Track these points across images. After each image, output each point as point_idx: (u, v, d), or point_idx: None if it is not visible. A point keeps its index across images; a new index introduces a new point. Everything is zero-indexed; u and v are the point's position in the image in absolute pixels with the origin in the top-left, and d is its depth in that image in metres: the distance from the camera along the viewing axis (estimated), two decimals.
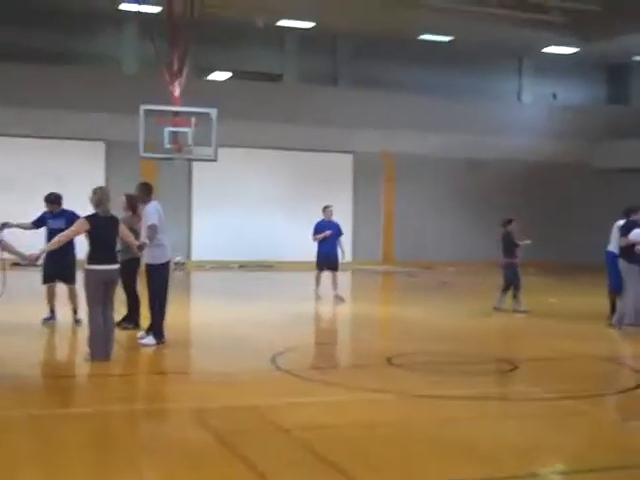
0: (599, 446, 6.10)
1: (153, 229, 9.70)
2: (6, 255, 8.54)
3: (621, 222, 13.55)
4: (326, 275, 15.66)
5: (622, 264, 12.66)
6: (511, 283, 14.61)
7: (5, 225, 10.11)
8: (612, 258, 13.51)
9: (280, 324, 12.58)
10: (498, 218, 23.43)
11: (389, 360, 9.39)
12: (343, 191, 26.36)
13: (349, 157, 26.77)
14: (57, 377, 8.64)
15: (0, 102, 22.38)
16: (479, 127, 28.06)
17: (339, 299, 15.35)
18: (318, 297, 15.57)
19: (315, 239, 15.82)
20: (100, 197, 8.97)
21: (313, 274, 15.99)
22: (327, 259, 15.71)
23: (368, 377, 8.60)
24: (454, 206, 27.67)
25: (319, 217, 16.20)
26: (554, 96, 31.91)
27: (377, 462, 5.53)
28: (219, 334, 11.29)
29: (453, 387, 8.00)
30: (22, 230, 10.96)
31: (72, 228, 9.20)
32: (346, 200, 26.37)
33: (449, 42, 27.97)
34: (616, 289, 13.40)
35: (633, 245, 12.36)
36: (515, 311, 14.33)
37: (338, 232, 15.89)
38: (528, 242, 14.92)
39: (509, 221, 15.03)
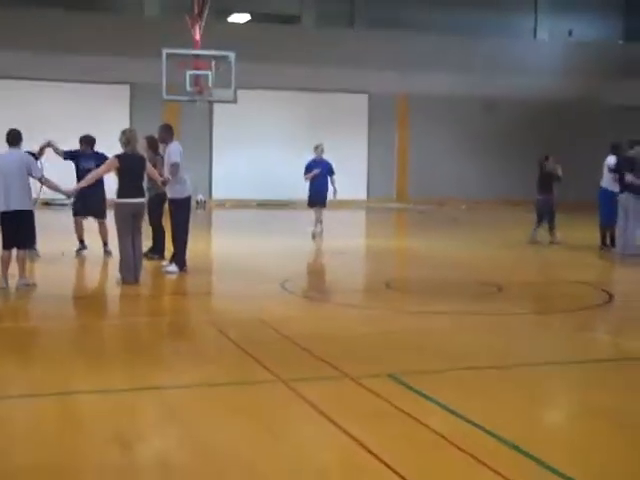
0: (550, 348, 7.21)
1: (175, 166, 10.74)
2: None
3: (611, 159, 14.44)
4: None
5: (627, 197, 13.41)
6: (543, 218, 15.35)
7: (49, 142, 11.25)
8: (604, 194, 14.47)
9: (291, 256, 13.72)
10: (513, 156, 24.27)
11: (387, 284, 10.49)
12: (358, 131, 27.21)
13: (364, 97, 27.54)
14: (93, 297, 9.86)
15: (27, 47, 23.28)
16: (494, 66, 28.35)
17: (318, 235, 15.79)
18: (314, 234, 15.83)
19: (306, 179, 16.18)
20: (129, 137, 10.04)
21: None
22: (317, 196, 16.09)
23: (365, 298, 9.75)
24: (468, 145, 28.40)
25: (334, 156, 16.86)
26: (570, 33, 32.18)
27: (362, 357, 6.67)
28: (235, 263, 12.42)
29: (439, 305, 9.11)
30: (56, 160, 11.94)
31: (104, 166, 10.31)
32: (361, 139, 27.26)
33: None
34: (607, 222, 14.38)
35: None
36: (551, 243, 15.16)
37: (329, 170, 16.19)
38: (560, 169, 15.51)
39: (546, 158, 15.74)
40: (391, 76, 27.00)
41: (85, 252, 12.56)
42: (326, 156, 16.30)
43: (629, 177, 13.25)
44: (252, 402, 5.56)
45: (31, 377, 6.14)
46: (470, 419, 5.06)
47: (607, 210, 14.20)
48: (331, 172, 16.22)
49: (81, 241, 12.68)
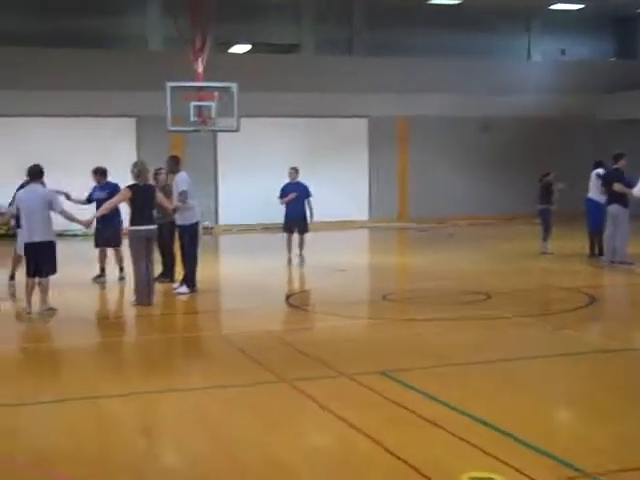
0: (528, 345, 7.98)
1: (184, 194, 11.52)
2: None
3: (600, 171, 15.21)
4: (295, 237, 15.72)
5: (615, 208, 14.10)
6: (548, 226, 16.15)
7: (68, 196, 12.05)
8: (591, 204, 15.22)
9: (295, 274, 14.49)
10: (511, 173, 24.91)
11: (384, 297, 11.24)
12: (359, 153, 28.00)
13: (364, 121, 28.35)
14: (111, 318, 10.64)
15: (37, 85, 24.21)
16: (490, 86, 29.16)
17: (302, 259, 15.44)
18: (290, 260, 15.46)
19: (282, 202, 15.93)
20: (140, 169, 10.86)
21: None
22: (295, 221, 15.69)
23: (363, 309, 10.53)
24: (467, 164, 29.13)
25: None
26: (562, 52, 33.08)
27: (357, 358, 7.44)
28: (242, 283, 13.17)
29: (430, 313, 9.87)
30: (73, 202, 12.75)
31: (117, 196, 11.12)
32: (363, 162, 28.05)
33: (458, 4, 29.32)
34: (595, 231, 15.11)
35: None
36: (542, 253, 15.90)
37: (306, 193, 15.87)
38: (562, 186, 16.30)
39: (546, 174, 16.64)
40: (390, 100, 27.83)
41: (104, 280, 13.18)
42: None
43: (617, 186, 13.88)
44: (259, 399, 6.32)
45: (62, 385, 6.93)
46: (451, 404, 5.81)
47: (594, 220, 14.93)
48: (308, 195, 15.93)
49: (102, 269, 13.23)
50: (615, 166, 14.35)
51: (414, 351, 7.76)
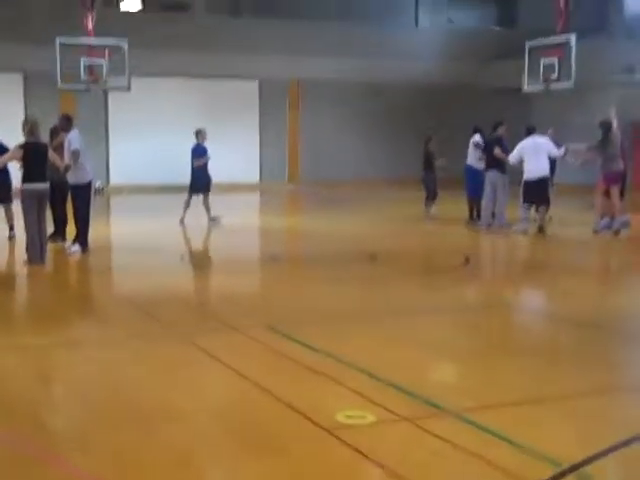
0: (409, 301, 8.61)
1: (76, 153, 11.63)
2: None
3: (477, 138, 16.00)
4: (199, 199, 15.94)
5: (494, 174, 14.88)
6: (430, 192, 16.82)
7: None
8: (469, 171, 16.04)
9: (187, 234, 14.82)
10: (399, 137, 25.32)
11: (274, 256, 11.70)
12: (250, 116, 28.26)
13: (255, 83, 28.58)
14: (2, 275, 10.72)
15: None
16: (380, 52, 29.72)
17: (216, 219, 15.88)
18: (182, 220, 15.67)
19: (198, 164, 15.86)
20: (31, 127, 10.88)
21: (187, 197, 15.82)
22: (206, 183, 15.95)
23: (254, 268, 10.98)
24: (355, 128, 29.79)
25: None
26: (450, 21, 34.03)
27: (244, 313, 7.88)
28: (134, 243, 13.41)
29: (316, 272, 10.46)
30: None
31: (8, 154, 11.14)
32: (253, 124, 28.34)
33: None
34: (474, 197, 15.94)
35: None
36: (426, 217, 16.59)
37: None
38: (443, 161, 16.79)
39: (429, 139, 17.13)
40: (280, 62, 28.09)
41: None
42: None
43: (497, 151, 14.67)
44: (153, 351, 6.67)
45: None
46: (330, 353, 6.34)
47: (472, 186, 15.76)
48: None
49: None
50: (498, 133, 15.14)
51: (300, 307, 8.26)
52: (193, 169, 16.01)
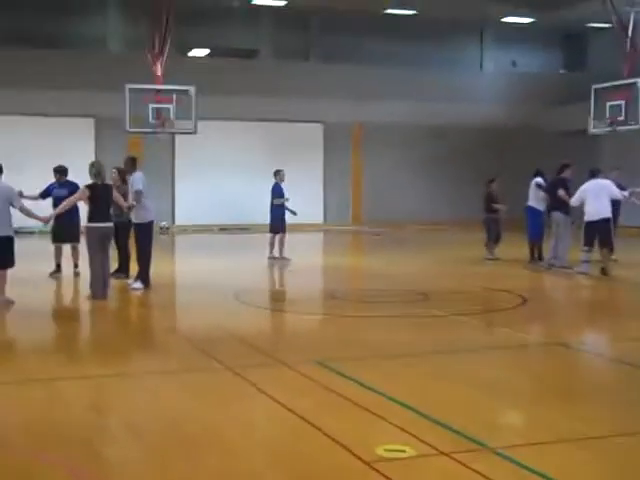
0: (456, 340, 8.60)
1: (139, 193, 12.02)
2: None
3: (539, 179, 15.96)
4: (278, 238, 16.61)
5: (557, 215, 14.86)
6: (491, 234, 16.78)
7: (20, 194, 12.39)
8: (530, 212, 15.97)
9: (247, 273, 15.04)
10: (462, 180, 25.26)
11: (331, 295, 11.84)
12: (314, 158, 28.66)
13: (320, 126, 29.01)
14: (67, 310, 11.07)
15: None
16: (443, 95, 29.97)
17: (286, 260, 16.44)
18: (274, 260, 16.37)
19: (278, 202, 16.60)
20: (98, 169, 11.34)
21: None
22: (283, 222, 16.62)
23: (309, 305, 11.08)
24: (420, 170, 29.94)
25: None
26: (514, 64, 34.04)
27: (298, 349, 7.99)
28: (195, 280, 13.70)
29: (372, 311, 10.49)
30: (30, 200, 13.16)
31: (76, 195, 11.57)
32: (317, 167, 28.73)
33: (413, 15, 30.07)
34: (535, 238, 15.88)
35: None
36: (486, 259, 16.57)
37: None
38: (502, 207, 16.82)
39: (491, 180, 17.22)
40: (345, 106, 28.52)
41: (60, 275, 13.60)
42: (286, 183, 16.97)
43: (561, 192, 14.66)
44: (203, 384, 6.83)
45: (19, 369, 7.40)
46: (376, 389, 6.39)
47: (534, 227, 15.70)
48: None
49: (57, 265, 13.72)
50: (562, 175, 15.11)
51: (351, 344, 8.33)
52: (272, 208, 16.55)
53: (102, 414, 6.07)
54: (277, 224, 16.58)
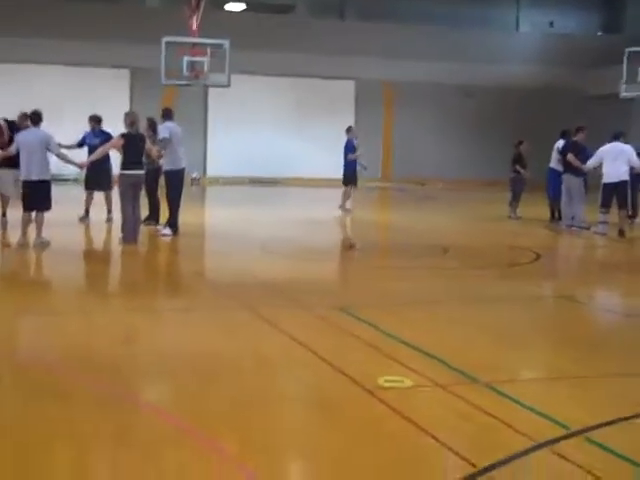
0: (468, 290, 9.05)
1: (163, 141, 12.46)
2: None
3: (561, 142, 16.19)
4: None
5: (568, 177, 15.17)
6: (516, 194, 17.07)
7: (59, 145, 12.93)
8: (552, 173, 16.23)
9: (271, 223, 15.59)
10: (492, 140, 25.38)
11: (352, 246, 12.28)
12: (345, 115, 28.82)
13: (352, 84, 29.22)
14: (100, 252, 11.67)
15: (37, 33, 24.93)
16: (478, 55, 29.90)
17: (349, 212, 17.76)
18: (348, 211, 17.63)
19: (353, 157, 17.92)
20: (132, 119, 11.82)
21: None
22: (355, 175, 18.13)
23: (335, 256, 11.58)
24: (449, 129, 30.08)
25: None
26: (551, 24, 33.78)
27: (320, 294, 8.44)
28: (223, 229, 14.23)
29: (392, 262, 10.96)
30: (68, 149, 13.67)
31: (111, 142, 12.10)
32: (348, 123, 28.85)
33: None
34: (555, 199, 16.15)
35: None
36: (509, 217, 16.90)
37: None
38: (525, 173, 16.99)
39: (520, 142, 17.46)
40: (378, 64, 28.65)
41: (88, 220, 14.15)
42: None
43: (570, 156, 14.93)
44: (222, 320, 7.34)
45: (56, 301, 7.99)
46: (387, 332, 6.84)
47: (554, 188, 15.96)
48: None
49: (87, 211, 14.26)
50: (574, 138, 15.33)
51: (371, 292, 8.78)
52: (346, 162, 17.80)
53: (130, 344, 6.61)
54: (350, 176, 17.83)
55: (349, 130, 18.24)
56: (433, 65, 29.13)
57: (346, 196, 17.97)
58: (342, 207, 17.80)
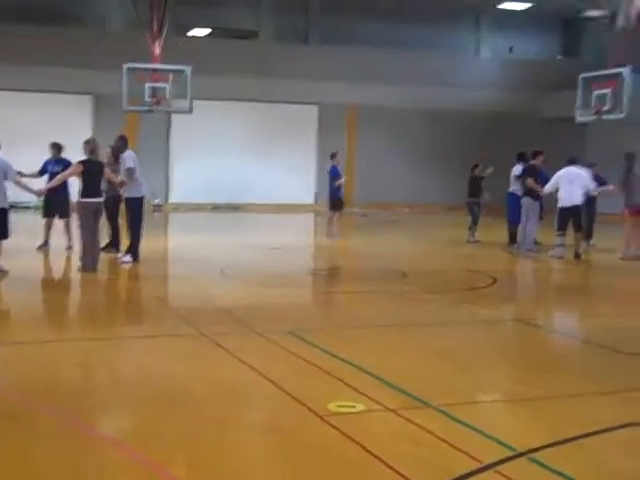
0: (422, 314, 9.15)
1: (130, 171, 12.52)
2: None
3: (518, 166, 16.47)
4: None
5: (527, 201, 15.41)
6: (474, 217, 17.34)
7: (20, 173, 12.88)
8: (511, 197, 16.49)
9: (232, 249, 15.61)
10: (454, 164, 25.60)
11: (311, 272, 12.38)
12: (309, 139, 29.10)
13: (315, 108, 29.44)
14: (58, 280, 11.62)
15: None
16: (440, 80, 30.27)
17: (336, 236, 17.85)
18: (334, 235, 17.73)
19: (339, 184, 18.07)
20: (92, 146, 11.83)
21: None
22: (342, 201, 18.33)
23: (288, 282, 11.60)
24: (412, 154, 30.36)
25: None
26: (510, 50, 34.37)
27: (271, 320, 8.53)
28: (183, 255, 14.26)
29: (348, 287, 11.03)
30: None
31: (69, 169, 12.09)
32: (311, 148, 29.16)
33: None
34: (514, 223, 16.40)
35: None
36: (468, 241, 17.15)
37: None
38: (490, 170, 17.39)
39: (475, 165, 17.72)
40: (340, 88, 28.89)
41: (47, 248, 13.93)
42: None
43: (530, 181, 15.20)
44: (180, 347, 7.39)
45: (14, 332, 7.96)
46: (339, 356, 6.93)
47: (513, 212, 16.21)
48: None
49: (46, 239, 14.03)
50: (532, 162, 15.62)
51: (323, 316, 8.92)
52: (332, 189, 17.94)
53: (88, 372, 6.62)
54: (337, 202, 18.05)
55: (333, 156, 18.29)
56: (396, 89, 29.44)
57: (332, 222, 18.10)
58: (330, 234, 17.87)
